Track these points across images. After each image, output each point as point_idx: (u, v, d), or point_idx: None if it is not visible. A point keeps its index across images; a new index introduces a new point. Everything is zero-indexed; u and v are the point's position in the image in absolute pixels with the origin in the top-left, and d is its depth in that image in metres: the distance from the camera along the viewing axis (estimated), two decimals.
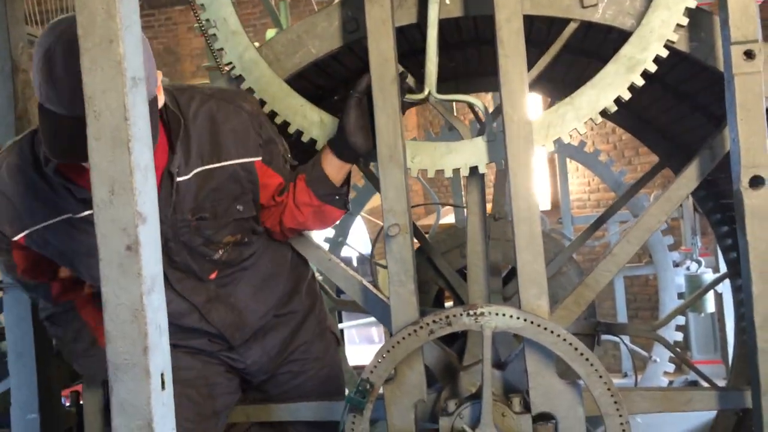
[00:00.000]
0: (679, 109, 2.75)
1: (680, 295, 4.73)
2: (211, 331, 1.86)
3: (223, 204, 1.77)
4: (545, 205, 7.73)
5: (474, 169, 1.88)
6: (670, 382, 4.77)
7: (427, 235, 3.24)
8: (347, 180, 1.92)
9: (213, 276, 1.86)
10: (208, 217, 1.75)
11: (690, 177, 1.86)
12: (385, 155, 1.77)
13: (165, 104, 1.67)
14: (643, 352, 4.70)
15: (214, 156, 1.73)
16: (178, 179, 1.70)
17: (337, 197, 1.87)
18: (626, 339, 5.03)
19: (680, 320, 4.63)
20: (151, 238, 0.97)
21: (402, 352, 1.69)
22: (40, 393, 2.07)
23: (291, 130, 1.94)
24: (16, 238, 1.66)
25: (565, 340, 1.64)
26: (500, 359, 1.97)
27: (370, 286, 1.99)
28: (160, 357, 0.98)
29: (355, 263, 6.48)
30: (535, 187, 1.73)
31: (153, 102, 1.52)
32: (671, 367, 4.82)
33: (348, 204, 1.94)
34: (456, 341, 2.41)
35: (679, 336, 4.68)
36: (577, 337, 3.18)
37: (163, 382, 0.99)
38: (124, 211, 0.96)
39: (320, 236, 4.68)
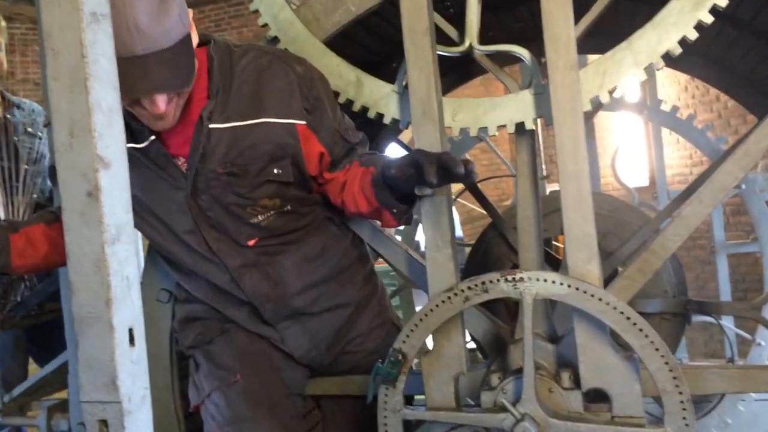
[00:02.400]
0: None
1: None
2: (243, 298, 1.80)
3: (258, 163, 1.68)
4: (642, 180, 7.27)
5: (520, 126, 1.73)
6: None
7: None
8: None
9: (252, 243, 1.78)
10: (238, 173, 1.67)
11: None
12: (419, 112, 1.66)
13: (212, 54, 1.66)
14: (748, 335, 4.30)
15: (254, 111, 1.66)
16: (211, 126, 1.64)
17: (395, 211, 1.65)
18: (730, 321, 4.65)
19: None
20: (115, 184, 0.92)
21: (436, 320, 1.57)
22: None
23: None
24: None
25: (615, 308, 1.47)
26: (556, 333, 1.81)
27: (415, 254, 1.88)
28: (128, 311, 0.93)
29: None
30: (583, 140, 1.56)
31: (186, 38, 1.52)
32: None
33: (410, 219, 1.73)
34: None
35: None
36: (665, 316, 2.97)
37: (131, 338, 0.93)
38: (84, 155, 0.90)
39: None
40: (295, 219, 1.81)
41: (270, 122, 1.67)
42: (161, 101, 1.52)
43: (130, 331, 0.93)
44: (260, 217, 1.76)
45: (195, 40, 1.61)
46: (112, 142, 0.92)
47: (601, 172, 5.19)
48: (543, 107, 1.68)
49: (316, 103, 1.72)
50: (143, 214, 1.77)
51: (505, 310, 2.81)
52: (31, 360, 3.03)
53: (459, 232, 7.80)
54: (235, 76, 1.67)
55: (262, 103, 1.67)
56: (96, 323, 0.91)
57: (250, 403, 1.75)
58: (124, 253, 0.93)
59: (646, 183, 7.23)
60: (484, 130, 1.76)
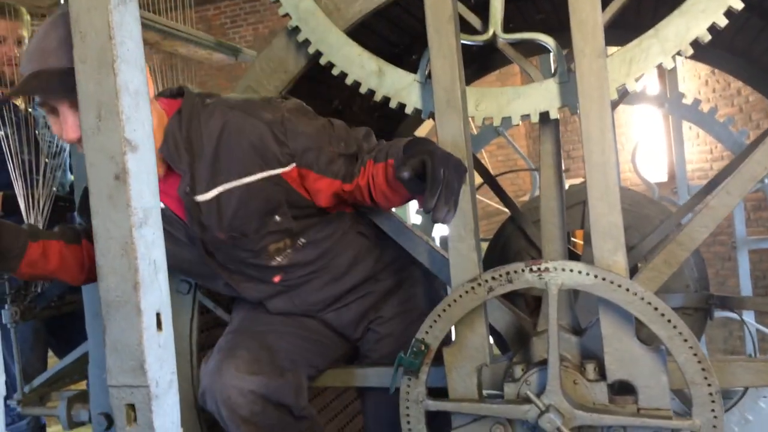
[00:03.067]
0: None
1: None
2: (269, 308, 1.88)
3: (253, 222, 1.67)
4: (661, 175, 7.19)
5: (545, 115, 1.71)
6: None
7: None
8: None
9: (277, 279, 1.82)
10: (238, 236, 1.68)
11: None
12: (442, 100, 1.64)
13: (179, 119, 1.62)
14: (766, 330, 4.24)
15: (233, 173, 1.62)
16: (198, 198, 1.62)
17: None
18: (751, 317, 4.59)
19: None
20: (143, 167, 0.91)
21: (459, 311, 1.56)
22: None
23: (349, 81, 1.84)
24: None
25: (642, 299, 1.44)
26: (580, 325, 1.79)
27: (436, 246, 1.87)
28: (156, 295, 0.92)
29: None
30: (610, 129, 1.54)
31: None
32: None
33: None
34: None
35: None
36: (686, 311, 2.93)
37: (159, 322, 0.92)
38: (112, 138, 0.89)
39: (415, 211, 4.58)
40: (314, 247, 1.80)
41: (250, 181, 1.62)
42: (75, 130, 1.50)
43: (158, 315, 0.93)
44: (278, 258, 1.76)
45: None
46: (139, 125, 0.91)
47: (620, 168, 5.14)
48: (568, 96, 1.66)
49: (296, 141, 1.64)
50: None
51: (525, 305, 2.79)
52: (51, 353, 3.05)
53: None
54: (204, 142, 1.62)
55: (239, 163, 1.61)
56: (123, 307, 0.90)
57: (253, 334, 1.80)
58: (152, 237, 0.92)
59: (665, 178, 7.15)
60: (507, 119, 1.73)
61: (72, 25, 0.91)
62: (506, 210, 3.09)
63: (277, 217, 1.68)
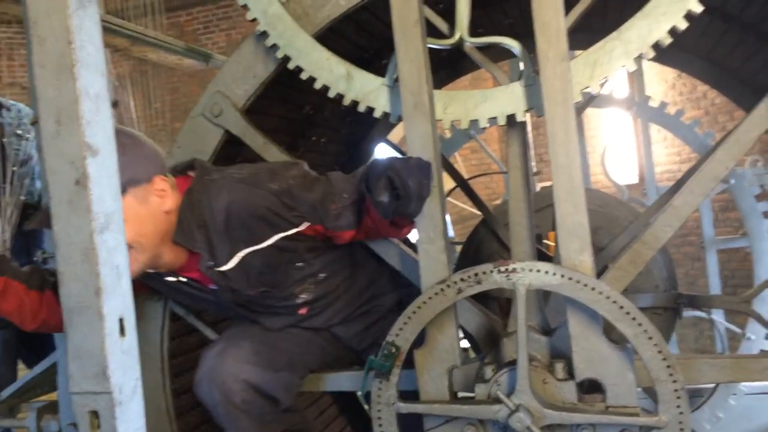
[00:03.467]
0: (764, 52, 2.48)
1: None
2: None
3: (280, 275, 1.80)
4: (632, 178, 7.29)
5: (512, 118, 1.73)
6: None
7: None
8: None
9: (304, 311, 1.91)
10: (270, 288, 1.81)
11: (763, 115, 1.63)
12: (410, 104, 1.65)
13: (188, 201, 1.71)
14: (738, 330, 4.32)
15: (251, 241, 1.73)
16: (223, 269, 1.73)
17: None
18: (720, 316, 4.66)
19: None
20: (104, 172, 0.90)
21: (429, 312, 1.57)
22: None
23: (317, 85, 1.84)
24: None
25: (608, 297, 1.46)
26: (549, 326, 1.81)
27: (407, 249, 1.88)
28: (118, 301, 0.91)
29: None
30: (575, 131, 1.56)
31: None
32: None
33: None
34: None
35: None
36: (656, 311, 2.97)
37: (122, 328, 0.92)
38: (71, 143, 0.89)
39: None
40: (333, 277, 1.90)
41: (269, 245, 1.73)
42: None
43: (121, 321, 0.92)
44: (304, 296, 1.87)
45: (160, 204, 1.67)
46: (100, 129, 0.91)
47: (590, 170, 5.20)
48: (534, 99, 1.68)
49: (304, 206, 1.73)
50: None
51: (499, 308, 2.81)
52: (22, 364, 3.00)
53: (450, 231, 7.80)
54: (216, 217, 1.70)
55: (252, 232, 1.72)
56: (85, 312, 0.90)
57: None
58: (114, 242, 0.91)
59: (635, 180, 7.26)
60: (475, 122, 1.75)
61: (30, 29, 0.90)
62: (480, 214, 3.11)
63: (299, 264, 1.81)
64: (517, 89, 1.71)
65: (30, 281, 1.76)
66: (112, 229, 0.91)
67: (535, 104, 1.69)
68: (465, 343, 2.12)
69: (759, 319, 3.10)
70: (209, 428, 2.28)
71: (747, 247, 5.23)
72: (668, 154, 7.16)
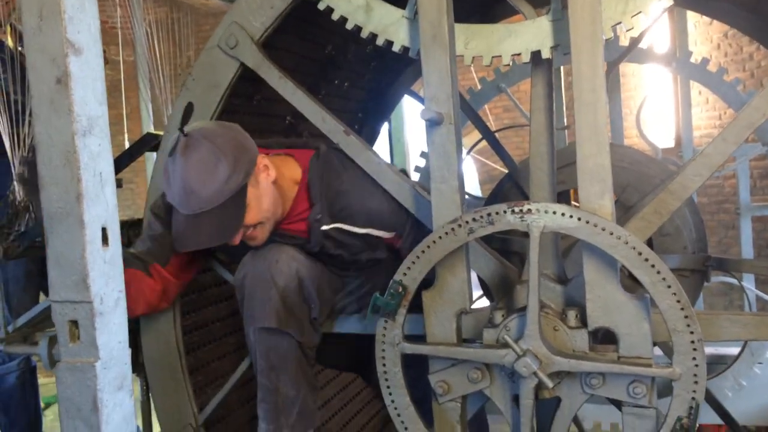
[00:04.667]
0: None
1: None
2: None
3: (353, 253, 1.98)
4: (668, 141, 7.05)
5: (537, 55, 1.64)
6: None
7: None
8: None
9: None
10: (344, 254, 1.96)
11: None
12: (428, 35, 1.57)
13: (313, 166, 1.91)
14: (766, 297, 4.19)
15: (348, 221, 1.90)
16: (322, 228, 1.87)
17: None
18: (751, 283, 4.53)
19: None
20: (87, 73, 0.86)
21: (439, 252, 1.51)
22: None
23: (335, 16, 1.77)
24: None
25: (627, 243, 1.39)
26: (566, 275, 1.75)
27: (421, 189, 1.81)
28: (101, 208, 0.87)
29: None
30: (602, 67, 1.47)
31: (236, 195, 1.72)
32: None
33: None
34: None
35: None
36: (683, 272, 2.88)
37: (105, 237, 0.88)
38: (53, 39, 0.84)
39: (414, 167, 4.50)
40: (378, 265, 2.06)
41: (360, 231, 1.91)
42: (237, 237, 1.77)
43: (104, 230, 0.88)
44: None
45: (267, 178, 1.82)
46: (84, 27, 0.86)
47: (625, 133, 5.04)
48: (561, 35, 1.59)
49: (404, 224, 1.91)
50: None
51: (520, 262, 2.75)
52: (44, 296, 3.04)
53: (478, 191, 7.69)
54: (335, 189, 1.89)
55: (353, 217, 1.89)
56: (66, 219, 0.86)
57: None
58: (97, 148, 0.87)
59: (671, 144, 7.03)
60: (497, 59, 1.67)
61: None
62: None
63: (364, 256, 1.98)
64: (543, 24, 1.61)
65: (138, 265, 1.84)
66: (95, 133, 0.86)
67: (562, 41, 1.60)
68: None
69: None
70: (219, 365, 2.29)
71: None
72: (708, 117, 6.91)
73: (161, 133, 2.21)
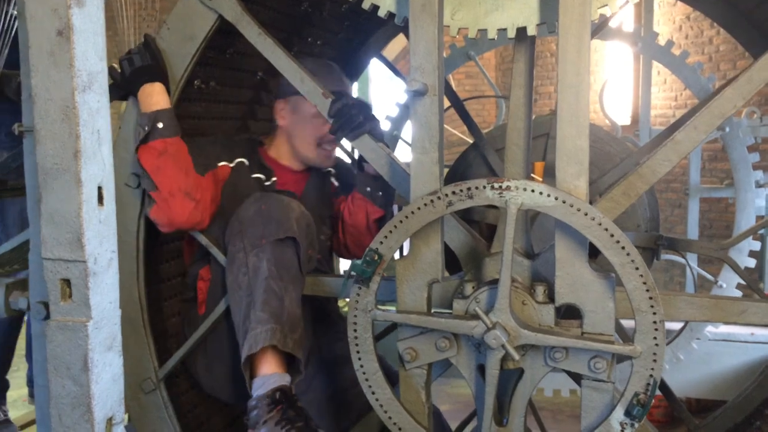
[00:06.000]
0: None
1: (759, 219, 4.33)
2: None
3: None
4: (624, 118, 7.21)
5: (522, 31, 1.65)
6: None
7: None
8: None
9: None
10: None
11: None
12: (418, 5, 1.56)
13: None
14: (709, 276, 4.38)
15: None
16: None
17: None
18: (694, 262, 4.71)
19: (755, 245, 4.26)
20: (89, 26, 0.82)
21: (416, 223, 1.53)
22: None
23: None
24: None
25: (600, 224, 1.44)
26: (533, 250, 1.79)
27: (398, 159, 1.82)
28: (98, 167, 0.85)
29: None
30: (588, 49, 1.49)
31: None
32: (738, 295, 4.49)
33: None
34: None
35: (751, 262, 4.30)
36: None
37: (101, 197, 0.86)
38: None
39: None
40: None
41: None
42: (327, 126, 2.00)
43: (99, 189, 0.87)
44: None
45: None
46: None
47: None
48: (548, 13, 1.60)
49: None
50: None
51: (480, 232, 2.79)
52: None
53: None
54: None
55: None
56: (62, 176, 0.84)
57: None
58: (96, 105, 0.85)
59: (628, 122, 7.19)
60: (483, 32, 1.67)
61: None
62: (469, 140, 3.04)
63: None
64: (531, 0, 1.62)
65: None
66: (95, 89, 0.84)
67: (548, 18, 1.61)
68: None
69: (735, 267, 3.14)
70: (182, 320, 2.28)
71: (727, 198, 5.26)
72: (665, 98, 7.08)
73: None
